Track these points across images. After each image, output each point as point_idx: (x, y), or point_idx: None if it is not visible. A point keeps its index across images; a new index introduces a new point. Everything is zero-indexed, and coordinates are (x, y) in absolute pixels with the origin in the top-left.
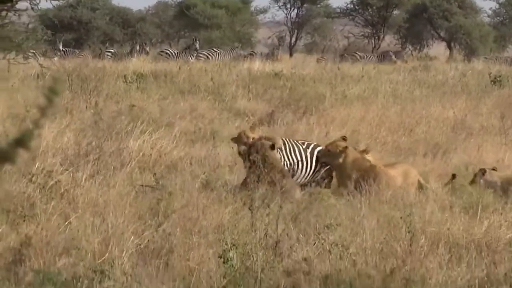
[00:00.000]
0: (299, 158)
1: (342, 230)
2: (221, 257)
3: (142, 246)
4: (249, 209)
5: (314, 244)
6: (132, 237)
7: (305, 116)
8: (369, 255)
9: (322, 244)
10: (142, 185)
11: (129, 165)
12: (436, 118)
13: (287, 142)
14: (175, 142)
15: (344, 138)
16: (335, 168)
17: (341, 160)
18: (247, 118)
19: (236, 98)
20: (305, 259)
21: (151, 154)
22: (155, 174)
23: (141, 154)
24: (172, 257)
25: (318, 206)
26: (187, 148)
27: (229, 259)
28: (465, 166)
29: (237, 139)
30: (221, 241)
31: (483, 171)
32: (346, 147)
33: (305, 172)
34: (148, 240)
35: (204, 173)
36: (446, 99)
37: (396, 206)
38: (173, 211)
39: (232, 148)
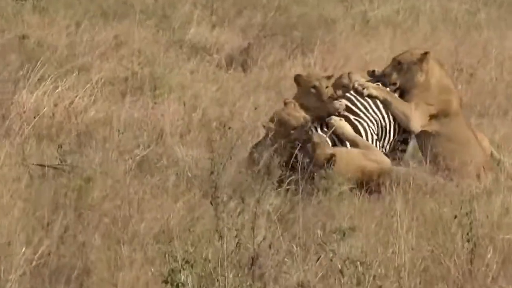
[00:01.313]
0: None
1: (361, 238)
2: (167, 282)
3: (39, 263)
4: (211, 203)
5: (317, 260)
6: (24, 249)
7: (301, 53)
8: (405, 278)
9: (330, 260)
10: (41, 165)
11: (20, 132)
12: None
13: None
14: (93, 95)
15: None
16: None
17: (420, 77)
18: (208, 57)
19: (191, 25)
20: (301, 285)
21: (53, 115)
22: (60, 147)
23: (38, 115)
24: (88, 281)
25: (323, 199)
26: (112, 105)
27: (180, 284)
28: None
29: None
30: (167, 255)
31: None
32: (427, 54)
33: (389, 135)
34: (50, 253)
35: (139, 146)
36: None
37: (448, 198)
38: (89, 207)
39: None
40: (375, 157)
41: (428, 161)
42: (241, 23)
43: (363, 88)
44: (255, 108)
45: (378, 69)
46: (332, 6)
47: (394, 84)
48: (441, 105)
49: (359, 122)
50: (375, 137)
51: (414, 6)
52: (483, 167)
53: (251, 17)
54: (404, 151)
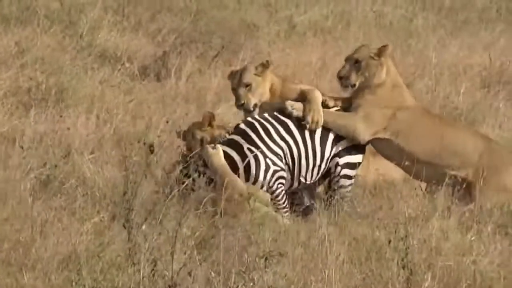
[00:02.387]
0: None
1: (287, 264)
2: None
3: None
4: (124, 226)
5: None
6: None
7: (222, 62)
8: None
9: None
10: None
11: None
12: (453, 66)
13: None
14: None
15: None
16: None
17: (381, 72)
18: (120, 66)
19: (100, 31)
20: None
21: None
22: None
23: None
24: None
25: (246, 221)
26: (15, 118)
27: None
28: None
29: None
30: (73, 283)
31: None
32: (386, 46)
33: (308, 163)
34: None
35: (44, 164)
36: (470, 33)
37: (382, 222)
38: None
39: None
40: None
41: (404, 163)
42: (155, 29)
43: (293, 109)
44: (167, 122)
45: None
46: (255, 10)
47: (354, 86)
48: (396, 103)
49: (251, 151)
50: (274, 167)
51: (344, 10)
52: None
53: (166, 22)
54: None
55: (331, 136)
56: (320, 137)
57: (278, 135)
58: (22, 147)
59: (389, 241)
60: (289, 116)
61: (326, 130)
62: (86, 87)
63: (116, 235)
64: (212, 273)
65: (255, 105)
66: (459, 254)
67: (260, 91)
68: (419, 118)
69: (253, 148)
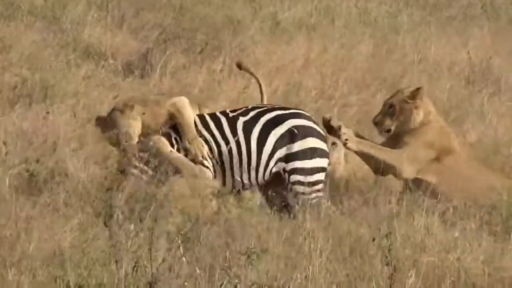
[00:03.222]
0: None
1: (270, 261)
2: None
3: None
4: (105, 224)
5: (221, 286)
6: None
7: (206, 58)
8: None
9: (235, 286)
10: None
11: None
12: (437, 63)
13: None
14: None
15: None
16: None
17: (417, 115)
18: (104, 63)
19: (84, 27)
20: None
21: None
22: None
23: None
24: None
25: (228, 216)
26: None
27: None
28: (492, 146)
29: None
30: (58, 279)
31: None
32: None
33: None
34: None
35: (27, 161)
36: (455, 30)
37: (365, 219)
38: None
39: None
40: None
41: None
42: (139, 26)
43: (346, 139)
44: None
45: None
46: (239, 6)
47: (389, 131)
48: (441, 144)
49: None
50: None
51: (329, 7)
52: None
53: (150, 19)
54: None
55: (271, 139)
56: (258, 138)
57: (205, 128)
58: (5, 143)
59: (373, 239)
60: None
61: (265, 131)
62: (70, 83)
63: (100, 232)
64: (197, 269)
65: None
66: (443, 251)
67: None
68: (461, 165)
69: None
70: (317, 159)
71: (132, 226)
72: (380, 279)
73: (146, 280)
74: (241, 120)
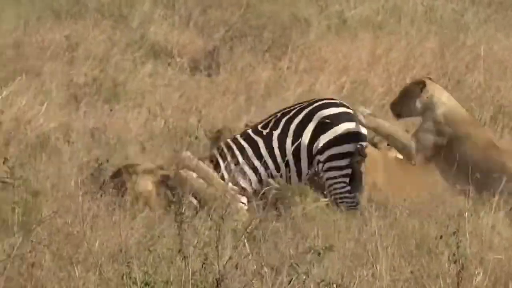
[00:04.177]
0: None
1: (337, 258)
2: None
3: None
4: (175, 220)
5: (289, 283)
6: None
7: (272, 56)
8: None
9: (303, 282)
10: None
11: None
12: (501, 62)
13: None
14: (44, 102)
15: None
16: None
17: (420, 104)
18: (170, 60)
19: (151, 25)
20: None
21: (0, 123)
22: (6, 159)
23: None
24: None
25: (296, 215)
26: (66, 112)
27: None
28: None
29: None
30: (124, 277)
31: None
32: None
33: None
34: None
35: (97, 160)
36: None
37: (432, 217)
38: (38, 223)
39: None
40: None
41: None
42: (206, 24)
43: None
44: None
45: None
46: (305, 4)
47: (399, 115)
48: (450, 132)
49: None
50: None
51: (395, 4)
52: None
53: (217, 17)
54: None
55: (304, 140)
56: (293, 152)
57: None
58: (68, 142)
59: (441, 236)
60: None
61: (298, 139)
62: (136, 82)
63: (166, 229)
64: (264, 267)
65: None
66: (510, 249)
67: None
68: (475, 149)
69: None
70: (345, 145)
71: (200, 223)
72: (447, 276)
73: (213, 277)
74: (275, 135)
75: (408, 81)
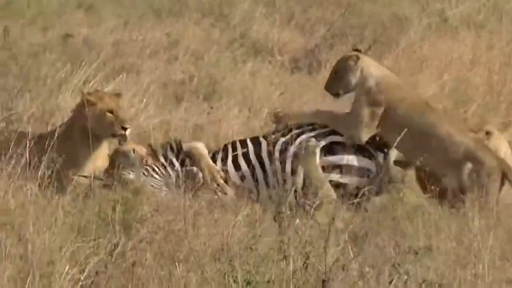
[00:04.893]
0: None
1: (439, 257)
2: None
3: (86, 283)
4: (275, 219)
5: (390, 283)
6: (68, 268)
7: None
8: None
9: (405, 283)
10: (86, 176)
11: None
12: None
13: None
14: (144, 99)
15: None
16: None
17: (353, 77)
18: (271, 59)
19: (251, 23)
20: None
21: None
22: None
23: None
24: None
25: (396, 214)
26: (166, 110)
27: None
28: None
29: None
30: (226, 275)
31: None
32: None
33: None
34: (97, 273)
35: None
36: None
37: None
38: (139, 221)
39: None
40: None
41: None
42: (306, 22)
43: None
44: None
45: None
46: (406, 3)
47: (337, 94)
48: (385, 100)
49: None
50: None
51: (496, 4)
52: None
53: (318, 16)
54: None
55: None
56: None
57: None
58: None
59: None
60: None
61: None
62: (237, 79)
63: (267, 228)
64: (366, 267)
65: None
66: None
67: None
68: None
69: None
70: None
71: (301, 223)
72: None
73: (315, 277)
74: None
75: (509, 79)
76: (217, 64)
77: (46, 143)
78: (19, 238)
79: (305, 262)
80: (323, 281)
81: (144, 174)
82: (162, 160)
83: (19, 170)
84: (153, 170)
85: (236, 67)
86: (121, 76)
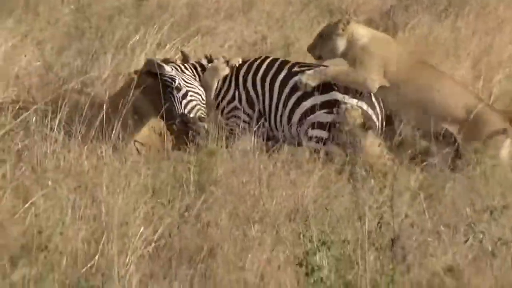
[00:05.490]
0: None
1: None
2: (301, 265)
3: (159, 244)
4: (349, 180)
5: (465, 242)
6: (142, 229)
7: (449, 15)
8: None
9: (480, 242)
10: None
11: None
12: None
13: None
14: None
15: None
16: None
17: (341, 41)
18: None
19: None
20: (449, 270)
21: None
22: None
23: None
24: (213, 264)
25: (472, 174)
26: None
27: (315, 267)
28: None
29: None
30: (301, 236)
31: None
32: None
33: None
34: (171, 234)
35: None
36: None
37: None
38: (214, 182)
39: None
40: None
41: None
42: None
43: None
44: None
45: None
46: None
47: (320, 57)
48: (384, 58)
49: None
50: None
51: None
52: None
53: None
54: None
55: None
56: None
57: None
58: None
59: None
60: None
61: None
62: (311, 41)
63: (342, 188)
64: (440, 226)
65: None
66: None
67: None
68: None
69: None
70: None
71: (373, 182)
72: None
73: (389, 236)
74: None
75: None
76: (291, 25)
77: (120, 106)
78: (92, 199)
79: (379, 222)
80: (392, 239)
81: None
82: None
83: (93, 133)
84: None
85: (311, 29)
86: (196, 38)
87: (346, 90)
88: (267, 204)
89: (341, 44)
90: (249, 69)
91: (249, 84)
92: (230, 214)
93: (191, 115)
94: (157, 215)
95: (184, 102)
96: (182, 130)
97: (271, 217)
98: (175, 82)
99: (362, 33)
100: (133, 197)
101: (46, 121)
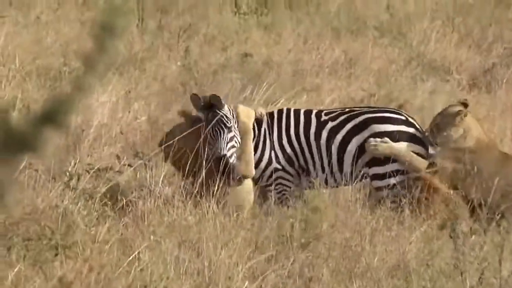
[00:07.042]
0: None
1: None
2: None
3: None
4: (450, 236)
5: None
6: (247, 284)
7: None
8: None
9: None
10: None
11: None
12: None
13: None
14: None
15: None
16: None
17: (455, 133)
18: (449, 77)
19: (429, 42)
20: None
21: None
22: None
23: None
24: None
25: None
26: None
27: None
28: None
29: None
30: None
31: None
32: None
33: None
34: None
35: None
36: None
37: None
38: (317, 238)
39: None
40: None
41: None
42: (483, 40)
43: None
44: None
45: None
46: None
47: (436, 144)
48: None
49: None
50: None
51: None
52: None
53: (496, 33)
54: None
55: (352, 145)
56: (339, 145)
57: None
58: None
59: None
60: None
61: (348, 138)
62: (416, 98)
63: (444, 244)
64: None
65: None
66: None
67: None
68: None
69: None
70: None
71: (476, 238)
72: None
73: None
74: (329, 125)
75: None
76: (396, 83)
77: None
78: (197, 254)
79: (480, 277)
80: None
81: None
82: None
83: (197, 187)
84: None
85: (415, 86)
86: (305, 96)
87: None
88: (369, 259)
89: (455, 135)
90: (279, 126)
91: (285, 142)
92: (332, 270)
93: (230, 160)
94: (260, 269)
95: (229, 144)
96: (216, 167)
97: (372, 273)
98: (230, 122)
99: (472, 134)
100: (237, 252)
101: (150, 176)
